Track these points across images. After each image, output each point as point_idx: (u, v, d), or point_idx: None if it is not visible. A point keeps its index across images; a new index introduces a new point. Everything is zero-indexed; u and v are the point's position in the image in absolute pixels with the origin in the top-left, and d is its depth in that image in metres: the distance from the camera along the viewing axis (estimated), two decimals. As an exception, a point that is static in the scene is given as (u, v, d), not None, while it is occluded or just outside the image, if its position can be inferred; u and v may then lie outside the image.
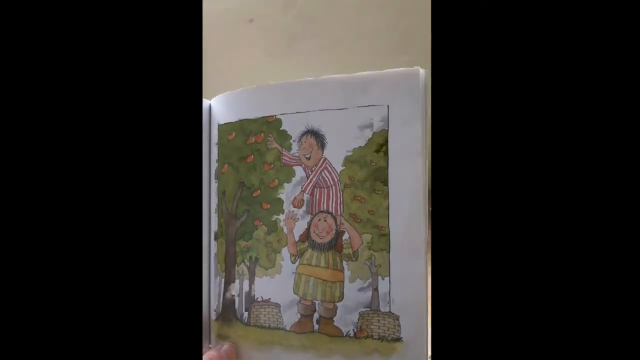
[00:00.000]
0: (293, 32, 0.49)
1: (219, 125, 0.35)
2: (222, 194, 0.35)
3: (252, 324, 0.33)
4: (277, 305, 0.32)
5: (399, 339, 0.29)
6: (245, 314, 0.33)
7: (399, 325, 0.29)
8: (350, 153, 0.31)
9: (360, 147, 0.31)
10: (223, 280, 0.34)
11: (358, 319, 0.30)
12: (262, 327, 0.33)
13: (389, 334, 0.29)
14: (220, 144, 0.35)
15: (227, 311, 0.34)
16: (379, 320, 0.29)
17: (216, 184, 0.35)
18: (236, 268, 0.34)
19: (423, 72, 0.30)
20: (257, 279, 0.33)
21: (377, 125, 0.30)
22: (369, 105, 0.30)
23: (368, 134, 0.30)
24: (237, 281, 0.34)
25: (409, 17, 0.47)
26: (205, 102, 0.37)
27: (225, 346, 0.33)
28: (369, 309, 0.30)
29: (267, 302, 0.33)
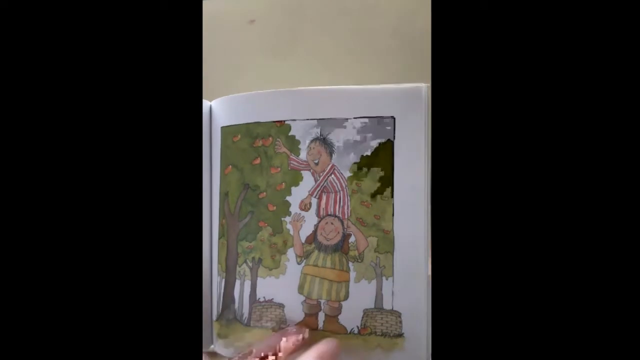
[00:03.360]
0: (295, 34, 0.50)
1: (223, 127, 0.36)
2: (224, 195, 0.35)
3: (252, 325, 0.33)
4: (281, 306, 0.33)
5: (400, 335, 0.31)
6: (246, 315, 0.34)
7: (400, 322, 0.31)
8: (358, 160, 0.33)
9: (367, 155, 0.33)
10: (224, 280, 0.35)
11: (362, 317, 0.32)
12: (264, 327, 0.33)
13: (391, 330, 0.31)
14: (223, 146, 0.35)
15: (227, 311, 0.34)
16: (382, 317, 0.31)
17: (218, 185, 0.35)
18: (237, 269, 0.34)
19: (425, 88, 0.32)
20: (259, 280, 0.34)
21: (383, 136, 0.32)
22: (376, 117, 0.33)
23: (374, 143, 0.33)
24: (237, 282, 0.34)
25: (412, 21, 0.49)
26: (206, 103, 0.37)
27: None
28: (372, 307, 0.32)
29: (270, 302, 0.33)
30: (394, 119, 0.33)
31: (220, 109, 0.36)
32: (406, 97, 0.32)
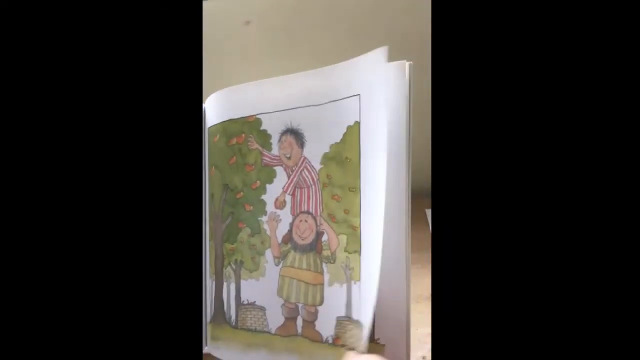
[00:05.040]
0: (290, 35, 0.48)
1: (209, 128, 0.36)
2: (211, 196, 0.35)
3: (239, 327, 0.33)
4: (263, 308, 0.32)
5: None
6: (233, 317, 0.33)
7: (366, 335, 0.27)
8: (328, 150, 0.29)
9: (336, 143, 0.29)
10: (214, 282, 0.35)
11: (335, 326, 0.28)
12: (248, 329, 0.32)
13: (357, 346, 0.27)
14: (209, 147, 0.35)
15: (218, 314, 0.34)
16: (351, 329, 0.28)
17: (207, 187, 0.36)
18: (224, 271, 0.34)
19: (386, 50, 0.26)
20: (242, 282, 0.33)
21: (350, 119, 0.28)
22: (342, 98, 0.29)
23: (343, 128, 0.29)
24: (225, 284, 0.34)
25: (407, 14, 0.44)
26: (200, 106, 0.37)
27: None
28: (343, 316, 0.28)
29: (252, 305, 0.32)
30: (360, 96, 0.28)
31: (208, 109, 0.36)
32: (369, 68, 0.27)
